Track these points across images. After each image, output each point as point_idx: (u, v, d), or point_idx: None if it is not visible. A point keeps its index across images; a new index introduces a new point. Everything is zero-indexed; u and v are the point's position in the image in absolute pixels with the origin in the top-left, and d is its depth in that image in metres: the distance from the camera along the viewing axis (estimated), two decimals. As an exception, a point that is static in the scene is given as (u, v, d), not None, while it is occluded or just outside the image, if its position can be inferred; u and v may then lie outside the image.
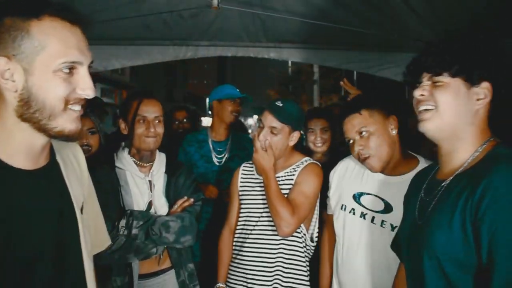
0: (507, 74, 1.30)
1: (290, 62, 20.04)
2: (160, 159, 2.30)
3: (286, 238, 2.26)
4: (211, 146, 3.28)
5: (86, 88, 1.09)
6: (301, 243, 2.30)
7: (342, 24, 3.48)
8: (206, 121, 13.16)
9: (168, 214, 2.18)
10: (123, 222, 2.03)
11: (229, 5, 3.29)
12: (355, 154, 1.99)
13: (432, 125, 1.32)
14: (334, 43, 4.29)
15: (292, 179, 2.31)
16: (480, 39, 1.32)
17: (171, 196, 2.24)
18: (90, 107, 3.72)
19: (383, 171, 1.99)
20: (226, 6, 3.27)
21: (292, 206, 2.17)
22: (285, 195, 2.25)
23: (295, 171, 2.33)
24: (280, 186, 2.27)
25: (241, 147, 3.29)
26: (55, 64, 1.04)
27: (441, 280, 1.24)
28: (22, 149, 1.09)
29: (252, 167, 2.47)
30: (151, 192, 2.20)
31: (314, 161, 2.39)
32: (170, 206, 2.22)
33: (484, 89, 1.29)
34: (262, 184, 2.32)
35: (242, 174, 2.50)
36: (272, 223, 2.25)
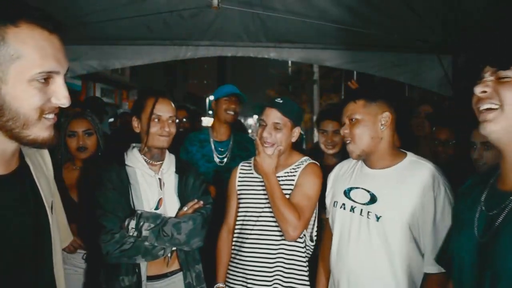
0: None
1: (290, 62, 20.03)
2: (170, 159, 2.31)
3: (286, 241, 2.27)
4: (212, 146, 3.28)
5: (62, 98, 1.06)
6: (301, 243, 2.30)
7: (342, 24, 3.48)
8: (206, 121, 13.16)
9: (177, 215, 2.19)
10: (133, 223, 2.03)
11: (229, 5, 3.29)
12: (343, 137, 2.05)
13: (496, 127, 1.16)
14: (334, 43, 4.29)
15: (292, 179, 2.31)
16: None
17: (182, 195, 2.25)
18: (88, 108, 3.74)
19: (365, 162, 2.06)
20: (226, 6, 3.27)
21: (297, 209, 2.18)
22: (286, 195, 2.26)
23: (296, 171, 2.33)
24: (283, 182, 2.29)
25: (242, 147, 3.28)
26: (30, 74, 0.99)
27: None
28: None
29: (250, 166, 2.47)
30: (161, 190, 2.21)
31: (313, 161, 2.39)
32: (181, 206, 2.23)
33: None
34: (260, 183, 2.32)
35: (240, 173, 2.49)
36: (271, 223, 2.26)
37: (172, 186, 2.25)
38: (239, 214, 2.40)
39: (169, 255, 2.17)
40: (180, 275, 2.21)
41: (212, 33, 4.07)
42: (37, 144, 1.07)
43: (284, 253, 2.27)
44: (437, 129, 3.14)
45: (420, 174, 1.87)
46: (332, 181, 2.28)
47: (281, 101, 2.34)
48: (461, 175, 1.88)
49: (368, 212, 1.95)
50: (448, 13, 3.12)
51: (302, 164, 2.35)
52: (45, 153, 1.35)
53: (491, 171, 1.32)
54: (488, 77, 1.18)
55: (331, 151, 2.95)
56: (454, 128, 2.95)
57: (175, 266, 2.22)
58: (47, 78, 1.03)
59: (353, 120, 1.98)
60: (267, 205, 2.28)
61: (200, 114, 6.07)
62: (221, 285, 2.38)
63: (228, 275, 2.39)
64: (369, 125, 1.97)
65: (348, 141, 2.00)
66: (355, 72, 13.34)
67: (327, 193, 2.30)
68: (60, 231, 1.32)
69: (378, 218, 1.89)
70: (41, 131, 1.05)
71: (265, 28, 3.93)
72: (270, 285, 2.24)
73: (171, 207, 2.21)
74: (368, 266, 1.94)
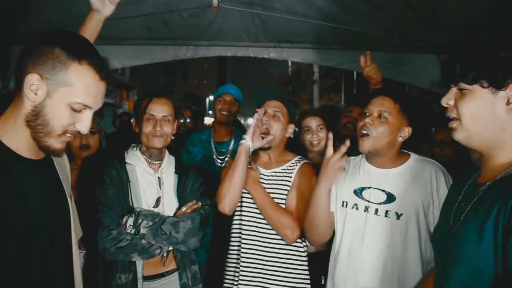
0: None
1: (290, 62, 20.04)
2: (170, 159, 2.32)
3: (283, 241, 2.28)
4: (213, 147, 3.27)
5: (84, 126, 1.32)
6: (301, 242, 2.30)
7: (342, 24, 3.48)
8: (206, 121, 13.18)
9: (175, 215, 2.19)
10: (131, 221, 2.03)
11: (229, 5, 3.29)
12: (360, 124, 2.03)
13: (459, 136, 1.27)
14: (334, 43, 4.29)
15: (289, 177, 2.32)
16: (498, 36, 1.21)
17: (180, 196, 2.26)
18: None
19: (371, 162, 2.09)
20: (226, 6, 3.28)
21: (294, 211, 2.22)
22: (283, 193, 2.28)
23: (292, 169, 2.34)
24: (277, 182, 2.31)
25: None
26: (71, 100, 1.26)
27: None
28: (26, 144, 1.31)
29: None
30: (160, 188, 2.21)
31: (307, 161, 2.42)
32: (179, 206, 2.23)
33: None
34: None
35: None
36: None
37: (171, 185, 2.25)
38: (236, 215, 2.39)
39: (165, 254, 2.17)
40: (175, 275, 2.21)
41: (212, 33, 4.07)
42: (49, 151, 1.33)
43: (285, 252, 2.28)
44: (436, 130, 3.14)
45: (430, 171, 1.94)
46: None
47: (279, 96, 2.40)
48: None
49: (387, 211, 1.96)
50: (448, 13, 3.12)
51: (298, 162, 2.37)
52: (64, 155, 1.56)
53: (473, 172, 1.40)
54: (453, 88, 1.29)
55: (316, 148, 2.93)
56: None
57: (172, 266, 2.22)
58: (81, 109, 1.29)
59: (382, 117, 1.99)
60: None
61: (202, 114, 6.07)
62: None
63: (226, 278, 2.39)
64: (393, 130, 1.99)
65: (365, 132, 1.99)
66: (355, 72, 13.33)
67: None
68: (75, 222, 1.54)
69: (399, 216, 1.92)
70: (57, 143, 1.31)
71: (265, 28, 3.93)
72: (271, 284, 2.25)
73: (169, 206, 2.21)
74: (385, 266, 1.95)
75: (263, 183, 2.33)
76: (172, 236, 2.06)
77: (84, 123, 1.32)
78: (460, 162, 2.78)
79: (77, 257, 1.51)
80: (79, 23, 1.94)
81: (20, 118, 1.28)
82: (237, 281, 2.30)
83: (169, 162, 2.30)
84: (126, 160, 2.21)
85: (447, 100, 1.29)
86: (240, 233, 2.35)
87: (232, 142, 3.27)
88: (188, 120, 4.30)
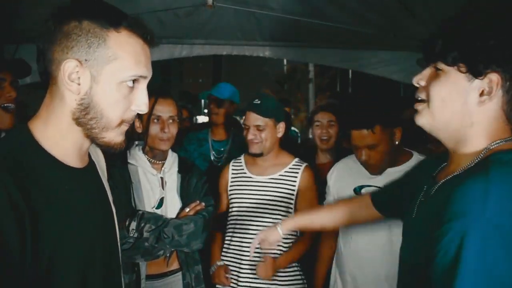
0: None
1: (285, 61, 20.05)
2: (173, 158, 2.29)
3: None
4: (210, 145, 3.27)
5: (142, 104, 1.12)
6: (294, 237, 2.32)
7: (337, 22, 3.48)
8: (201, 120, 13.17)
9: (178, 216, 2.18)
10: (133, 225, 2.01)
11: (224, 4, 3.29)
12: (361, 159, 2.08)
13: (422, 121, 1.17)
14: (329, 42, 4.29)
15: (292, 183, 2.32)
16: (490, 21, 1.10)
17: (184, 196, 2.24)
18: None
19: None
20: (221, 4, 3.27)
21: None
22: (285, 199, 2.30)
23: (294, 174, 2.33)
24: (278, 188, 2.31)
25: (242, 147, 3.23)
26: (123, 76, 1.06)
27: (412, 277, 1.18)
28: (73, 150, 1.12)
29: (241, 164, 2.47)
30: (163, 189, 2.20)
31: (306, 164, 2.41)
32: (182, 206, 2.22)
33: (490, 82, 1.06)
34: (254, 183, 2.32)
35: (233, 172, 2.48)
36: (266, 223, 2.26)
37: (174, 185, 2.23)
38: (232, 214, 2.39)
39: (168, 254, 2.16)
40: (179, 275, 2.21)
41: (207, 31, 4.06)
42: (109, 147, 1.14)
43: (281, 250, 2.29)
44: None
45: None
46: (334, 181, 2.29)
47: (258, 102, 2.35)
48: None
49: None
50: (443, 11, 3.13)
51: (299, 167, 2.36)
52: (101, 155, 1.43)
53: (442, 159, 1.30)
54: (428, 68, 1.17)
55: (325, 146, 2.89)
56: None
57: (175, 265, 2.21)
58: (134, 82, 1.09)
59: (372, 147, 2.02)
60: (261, 205, 2.28)
61: (193, 114, 6.06)
62: (219, 263, 2.41)
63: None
64: (387, 145, 2.03)
65: (370, 163, 2.07)
66: (350, 71, 13.37)
67: (329, 193, 2.31)
68: None
69: None
70: (117, 136, 1.13)
71: (260, 27, 3.93)
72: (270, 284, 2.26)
73: (172, 207, 2.19)
74: (385, 259, 1.97)
75: (260, 190, 2.32)
76: (175, 239, 2.04)
77: (141, 100, 1.12)
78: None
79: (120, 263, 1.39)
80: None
81: (65, 119, 1.07)
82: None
83: (172, 162, 2.27)
84: (128, 160, 2.18)
85: (419, 80, 1.18)
86: (235, 229, 2.36)
87: (230, 142, 3.26)
88: (184, 119, 4.30)
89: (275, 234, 1.81)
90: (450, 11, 3.06)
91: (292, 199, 2.31)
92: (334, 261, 2.28)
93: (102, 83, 1.05)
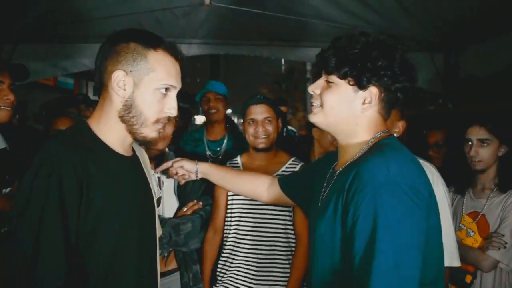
0: (400, 80, 1.32)
1: (283, 61, 20.05)
2: (170, 157, 2.29)
3: (282, 237, 2.28)
4: (206, 145, 3.26)
5: (172, 108, 1.40)
6: (294, 239, 2.31)
7: (335, 22, 3.48)
8: (199, 119, 13.13)
9: (175, 216, 2.17)
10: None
11: (221, 3, 3.28)
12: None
13: (316, 120, 1.42)
14: (327, 41, 4.26)
15: None
16: (374, 44, 1.33)
17: (181, 195, 2.24)
18: (73, 106, 3.72)
19: None
20: (218, 4, 3.27)
21: (304, 223, 2.24)
22: None
23: (292, 171, 2.32)
24: None
25: (238, 146, 3.23)
26: (158, 84, 1.35)
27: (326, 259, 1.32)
28: (119, 141, 1.41)
29: (237, 165, 2.46)
30: (160, 189, 2.19)
31: (303, 163, 2.41)
32: (180, 206, 2.21)
33: (371, 94, 1.33)
34: None
35: None
36: (267, 223, 2.27)
37: (172, 185, 2.23)
38: (232, 216, 2.37)
39: (166, 254, 2.16)
40: (177, 275, 2.21)
41: (204, 31, 4.05)
42: (146, 141, 1.42)
43: (280, 250, 2.29)
44: (428, 133, 3.15)
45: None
46: None
47: (262, 97, 2.39)
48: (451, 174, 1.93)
49: None
50: (440, 12, 3.13)
51: (295, 166, 2.37)
52: (145, 154, 1.70)
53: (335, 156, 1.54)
54: (322, 78, 1.42)
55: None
56: (447, 128, 2.98)
57: (173, 265, 2.21)
58: (167, 90, 1.38)
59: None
60: (262, 206, 2.28)
61: (191, 113, 6.04)
62: None
63: (221, 279, 2.38)
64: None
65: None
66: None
67: None
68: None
69: None
70: (152, 132, 1.40)
71: (257, 27, 3.92)
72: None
73: (169, 207, 2.19)
74: None
75: None
76: (172, 239, 2.04)
77: (171, 105, 1.39)
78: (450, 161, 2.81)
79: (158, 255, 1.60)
80: (71, 20, 1.93)
81: (113, 116, 1.37)
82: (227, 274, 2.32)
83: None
84: None
85: (314, 89, 1.42)
86: (238, 231, 2.35)
87: (225, 141, 3.25)
88: (177, 119, 4.29)
89: (192, 166, 1.98)
90: (448, 12, 3.08)
91: None
92: None
93: (142, 89, 1.34)
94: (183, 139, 3.37)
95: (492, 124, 2.27)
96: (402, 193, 1.15)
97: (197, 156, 3.16)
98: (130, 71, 1.33)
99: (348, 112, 1.36)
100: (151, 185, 1.58)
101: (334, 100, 1.37)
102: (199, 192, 2.27)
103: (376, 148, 1.30)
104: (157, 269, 1.56)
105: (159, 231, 1.64)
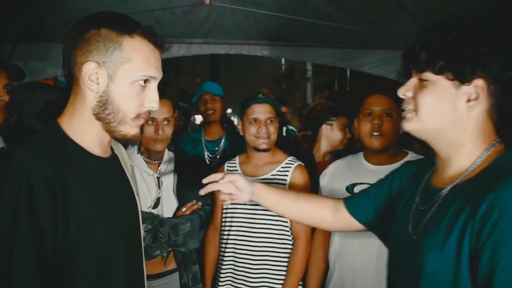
0: (507, 68, 1.11)
1: (283, 60, 20.04)
2: (169, 158, 2.28)
3: (277, 237, 2.27)
4: (204, 146, 3.26)
5: (153, 101, 1.26)
6: (290, 239, 2.31)
7: (335, 22, 3.48)
8: (199, 119, 13.16)
9: (174, 215, 2.17)
10: None
11: (222, 3, 3.28)
12: (368, 127, 2.10)
13: (411, 127, 1.20)
14: (327, 41, 4.28)
15: (283, 181, 2.29)
16: (471, 29, 1.12)
17: (180, 195, 2.23)
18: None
19: (367, 159, 2.15)
20: (219, 3, 3.26)
21: (300, 224, 2.20)
22: None
23: (285, 173, 2.31)
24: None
25: (236, 146, 3.23)
26: (135, 76, 1.21)
27: None
28: (95, 141, 1.27)
29: (235, 165, 2.45)
30: (159, 189, 2.19)
31: (300, 163, 2.38)
32: (179, 206, 2.21)
33: (476, 88, 1.10)
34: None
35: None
36: (261, 224, 2.26)
37: (171, 185, 2.23)
38: (227, 215, 2.36)
39: (165, 255, 2.16)
40: (176, 275, 2.21)
41: (205, 30, 4.05)
42: (126, 139, 1.28)
43: (274, 251, 2.28)
44: None
45: None
46: (326, 182, 2.29)
47: (264, 96, 2.37)
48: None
49: None
50: (441, 12, 3.13)
51: (291, 166, 2.33)
52: (124, 152, 1.56)
53: (427, 166, 1.33)
54: (412, 79, 1.21)
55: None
56: None
57: (172, 265, 2.21)
58: (146, 81, 1.24)
59: (385, 115, 2.10)
60: (255, 206, 2.27)
61: (191, 113, 6.05)
62: None
63: (218, 277, 2.37)
64: (396, 122, 2.07)
65: (377, 134, 2.12)
66: (348, 70, 13.36)
67: (322, 191, 2.30)
68: None
69: None
70: (132, 129, 1.26)
71: (258, 26, 3.92)
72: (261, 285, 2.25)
73: (169, 207, 2.19)
74: (376, 262, 1.96)
75: None
76: (171, 239, 2.04)
77: (152, 97, 1.26)
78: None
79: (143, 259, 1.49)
80: (71, 20, 1.93)
81: (86, 114, 1.23)
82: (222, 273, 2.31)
83: (168, 161, 2.27)
84: None
85: (405, 91, 1.21)
86: (230, 230, 2.34)
87: (223, 141, 3.26)
88: (177, 119, 4.30)
89: (246, 185, 1.64)
90: (448, 11, 3.07)
91: None
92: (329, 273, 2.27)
93: (118, 82, 1.20)
94: (182, 140, 3.37)
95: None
96: None
97: (197, 158, 3.18)
98: (103, 62, 1.18)
99: (450, 114, 1.13)
100: (132, 186, 1.45)
101: (431, 101, 1.14)
102: (198, 192, 2.27)
103: (507, 169, 1.05)
104: (144, 274, 1.47)
105: (142, 231, 1.58)
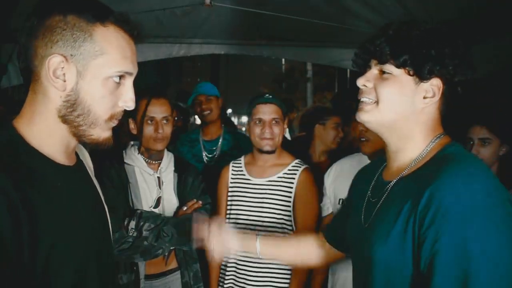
0: (464, 71, 1.15)
1: (283, 60, 20.04)
2: (169, 157, 2.29)
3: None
4: (202, 145, 3.27)
5: (129, 100, 1.10)
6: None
7: (335, 22, 3.48)
8: (199, 120, 13.15)
9: (175, 215, 2.17)
10: (132, 224, 2.00)
11: (222, 3, 3.28)
12: (356, 131, 2.13)
13: (369, 118, 1.20)
14: (327, 41, 4.29)
15: (290, 185, 2.27)
16: (440, 30, 1.15)
17: (181, 194, 2.24)
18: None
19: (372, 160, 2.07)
20: (219, 4, 3.27)
21: (306, 223, 2.22)
22: (282, 201, 2.25)
23: (292, 176, 2.29)
24: (275, 190, 2.27)
25: (234, 145, 3.24)
26: (109, 72, 1.04)
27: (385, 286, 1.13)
28: (61, 147, 1.09)
29: (240, 166, 2.44)
30: (160, 188, 2.19)
31: (306, 166, 2.36)
32: (179, 205, 2.21)
33: (433, 86, 1.14)
34: (254, 185, 2.30)
35: (232, 173, 2.43)
36: (263, 224, 2.26)
37: (171, 185, 2.23)
38: (231, 216, 2.35)
39: (166, 253, 2.17)
40: (177, 274, 2.21)
41: (205, 30, 4.05)
42: (97, 144, 1.11)
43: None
44: None
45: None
46: (331, 182, 2.28)
47: (271, 96, 2.31)
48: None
49: None
50: (441, 12, 3.13)
51: (297, 169, 2.30)
52: (86, 153, 1.38)
53: (380, 162, 1.37)
54: (373, 69, 1.21)
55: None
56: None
57: (173, 264, 2.22)
58: (121, 78, 1.07)
59: None
60: (260, 208, 2.27)
61: (190, 114, 6.03)
62: None
63: (223, 279, 2.37)
64: None
65: (363, 139, 2.12)
66: (348, 70, 13.39)
67: (327, 195, 2.30)
68: None
69: None
70: (103, 131, 1.10)
71: (258, 26, 3.92)
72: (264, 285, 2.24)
73: (169, 206, 2.20)
74: None
75: (259, 193, 2.28)
76: (174, 237, 2.04)
77: (127, 96, 1.09)
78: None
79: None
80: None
81: (50, 117, 1.04)
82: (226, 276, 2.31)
83: (168, 161, 2.27)
84: (125, 160, 2.18)
85: (365, 81, 1.21)
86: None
87: (221, 140, 3.26)
88: (176, 119, 4.29)
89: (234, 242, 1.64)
90: (448, 11, 3.07)
91: (290, 201, 2.25)
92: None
93: (89, 79, 1.02)
94: (180, 140, 3.38)
95: (492, 124, 2.27)
96: (497, 217, 0.95)
97: (194, 159, 3.18)
98: (71, 55, 0.99)
99: (408, 108, 1.15)
100: (99, 191, 1.30)
101: (393, 94, 1.16)
102: (198, 191, 2.27)
103: (447, 160, 1.08)
104: (115, 274, 1.42)
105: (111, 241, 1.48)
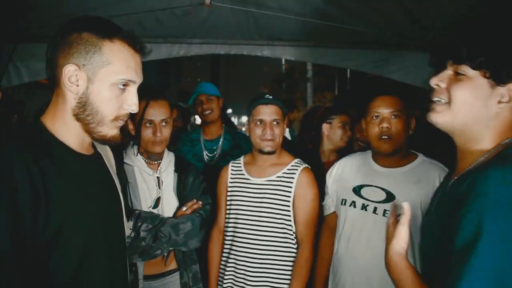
0: None
1: (283, 60, 20.04)
2: (169, 157, 2.28)
3: (281, 240, 2.26)
4: (203, 145, 3.27)
5: (132, 104, 1.30)
6: (294, 244, 2.30)
7: (335, 22, 3.47)
8: (199, 120, 13.14)
9: (175, 215, 2.16)
10: (130, 224, 2.00)
11: (222, 3, 3.28)
12: (376, 130, 2.02)
13: (441, 119, 1.21)
14: (327, 41, 4.28)
15: (289, 184, 2.27)
16: None
17: (180, 195, 2.23)
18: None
19: (376, 160, 2.09)
20: (219, 3, 3.26)
21: (306, 223, 2.22)
22: (281, 201, 2.25)
23: (291, 176, 2.29)
24: (275, 189, 2.26)
25: (234, 145, 3.25)
26: (114, 79, 1.25)
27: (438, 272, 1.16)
28: (77, 140, 1.30)
29: (240, 165, 2.44)
30: (159, 188, 2.18)
31: (306, 165, 2.36)
32: (179, 205, 2.20)
33: (510, 91, 1.12)
34: (252, 185, 2.30)
35: (232, 173, 2.44)
36: (264, 225, 2.25)
37: (171, 185, 2.23)
38: (230, 216, 2.36)
39: (165, 254, 2.16)
40: (177, 275, 2.21)
41: (205, 31, 4.05)
42: (105, 140, 1.32)
43: (277, 254, 2.27)
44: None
45: (435, 173, 1.91)
46: (333, 181, 2.27)
47: (271, 97, 2.31)
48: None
49: (385, 210, 1.95)
50: (441, 12, 3.13)
51: (297, 168, 2.30)
52: (109, 150, 1.59)
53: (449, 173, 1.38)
54: (447, 70, 1.21)
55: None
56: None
57: (173, 265, 2.22)
58: (125, 85, 1.28)
59: (394, 117, 2.01)
60: (260, 208, 2.26)
61: (190, 114, 6.03)
62: None
63: (222, 279, 2.37)
64: (406, 123, 2.02)
65: (386, 137, 2.05)
66: (348, 70, 13.35)
67: (329, 194, 2.29)
68: None
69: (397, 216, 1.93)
70: (111, 129, 1.30)
71: (258, 26, 3.92)
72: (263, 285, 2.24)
73: (169, 206, 2.19)
74: (380, 265, 1.94)
75: (258, 193, 2.28)
76: (172, 238, 2.04)
77: (131, 101, 1.30)
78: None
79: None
80: (71, 20, 1.92)
81: (67, 115, 1.27)
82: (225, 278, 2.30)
83: (168, 161, 2.27)
84: (125, 160, 2.18)
85: (439, 81, 1.22)
86: (235, 231, 2.34)
87: (222, 139, 3.27)
88: (176, 119, 4.29)
89: None
90: (448, 11, 3.07)
91: (289, 201, 2.25)
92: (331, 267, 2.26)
93: (97, 84, 1.24)
94: (180, 140, 3.38)
95: None
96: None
97: (195, 159, 3.18)
98: (83, 64, 1.22)
99: (481, 111, 1.14)
100: (116, 183, 1.50)
101: (466, 95, 1.14)
102: (198, 191, 2.27)
103: (498, 159, 1.10)
104: (127, 274, 1.48)
105: (126, 229, 1.58)
